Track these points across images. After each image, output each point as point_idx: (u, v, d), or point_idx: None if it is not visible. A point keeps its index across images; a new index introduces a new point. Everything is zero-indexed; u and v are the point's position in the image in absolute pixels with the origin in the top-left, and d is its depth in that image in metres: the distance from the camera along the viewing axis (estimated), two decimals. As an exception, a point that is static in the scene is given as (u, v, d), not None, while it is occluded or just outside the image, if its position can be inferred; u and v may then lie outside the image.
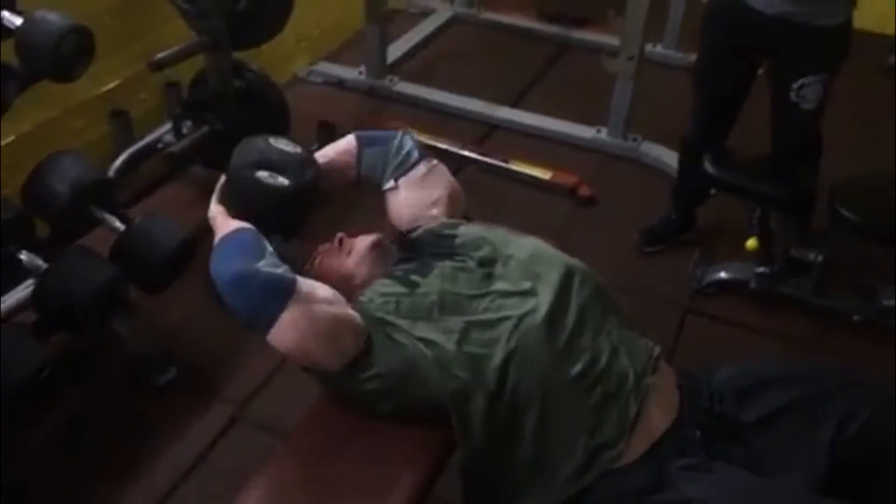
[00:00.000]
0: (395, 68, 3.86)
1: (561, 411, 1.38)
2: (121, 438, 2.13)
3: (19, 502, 1.93)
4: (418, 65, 4.02)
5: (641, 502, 1.34)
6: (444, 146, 3.17)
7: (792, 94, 2.33)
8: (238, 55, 2.86)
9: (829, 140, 2.54)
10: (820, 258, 2.47)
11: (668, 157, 3.13)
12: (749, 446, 1.43)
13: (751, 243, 2.48)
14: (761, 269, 2.55)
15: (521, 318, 1.42)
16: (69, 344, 2.25)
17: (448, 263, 1.53)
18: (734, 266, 2.64)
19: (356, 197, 1.93)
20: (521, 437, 1.38)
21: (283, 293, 1.34)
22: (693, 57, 2.73)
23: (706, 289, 2.66)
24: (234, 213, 1.51)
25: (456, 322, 1.42)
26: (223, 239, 1.44)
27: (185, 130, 2.81)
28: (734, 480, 1.34)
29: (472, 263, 1.54)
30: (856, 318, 2.49)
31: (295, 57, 3.87)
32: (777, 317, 2.57)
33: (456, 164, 2.98)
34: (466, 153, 3.26)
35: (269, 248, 1.40)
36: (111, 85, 2.91)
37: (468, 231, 1.62)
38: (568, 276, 1.49)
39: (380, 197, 1.72)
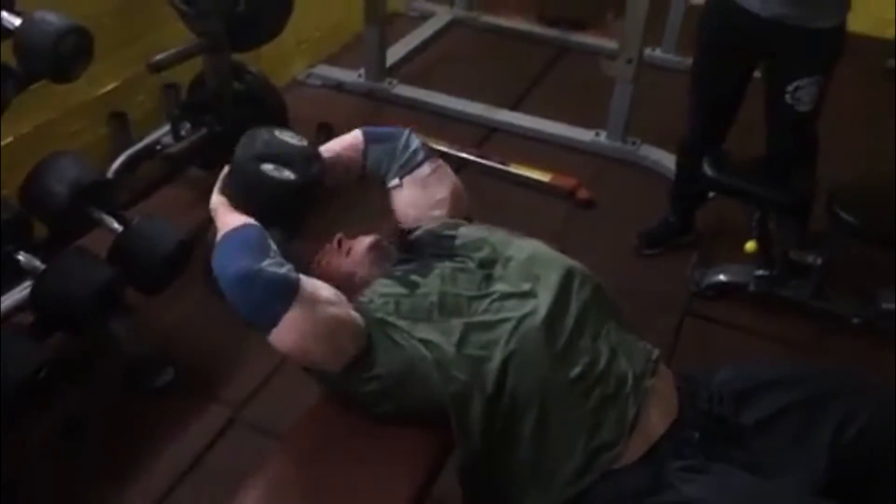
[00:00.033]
0: (395, 71, 3.87)
1: (560, 413, 1.37)
2: (118, 439, 2.13)
3: (17, 503, 1.93)
4: (417, 68, 4.02)
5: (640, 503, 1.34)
6: (443, 149, 3.17)
7: (787, 96, 2.34)
8: (237, 57, 2.87)
9: (829, 143, 2.54)
10: (819, 261, 2.47)
11: (667, 161, 3.13)
12: (748, 448, 1.43)
13: (750, 246, 2.48)
14: (760, 272, 2.55)
15: (521, 319, 1.41)
16: (67, 345, 2.25)
17: (448, 264, 1.53)
18: (733, 269, 2.64)
19: (356, 197, 1.92)
20: (520, 438, 1.38)
21: (286, 293, 1.33)
22: (691, 61, 2.74)
23: (705, 291, 2.66)
24: (237, 204, 1.49)
25: (456, 323, 1.41)
26: (227, 234, 1.42)
27: (183, 132, 2.81)
28: (733, 482, 1.34)
29: (471, 264, 1.53)
30: (855, 320, 2.49)
31: (294, 59, 3.87)
32: (776, 319, 2.57)
33: (455, 167, 2.96)
34: (466, 156, 3.27)
35: (273, 247, 1.39)
36: (110, 86, 2.91)
37: (468, 232, 1.61)
38: (567, 277, 1.49)
39: (380, 197, 1.71)
